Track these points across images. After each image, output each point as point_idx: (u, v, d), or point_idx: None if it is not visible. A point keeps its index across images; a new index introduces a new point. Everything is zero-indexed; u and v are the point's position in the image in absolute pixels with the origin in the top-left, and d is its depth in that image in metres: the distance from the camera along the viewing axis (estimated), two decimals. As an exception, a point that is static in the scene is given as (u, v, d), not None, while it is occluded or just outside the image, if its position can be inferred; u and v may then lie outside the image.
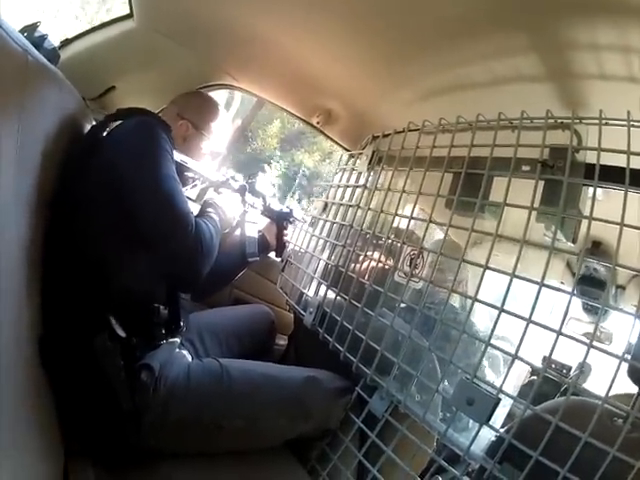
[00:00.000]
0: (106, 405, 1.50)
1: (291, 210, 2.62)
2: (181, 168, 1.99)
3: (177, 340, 1.85)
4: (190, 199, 2.02)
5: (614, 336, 3.13)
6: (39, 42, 1.89)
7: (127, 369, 1.54)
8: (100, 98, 2.53)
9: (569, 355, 3.29)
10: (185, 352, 1.88)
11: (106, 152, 1.74)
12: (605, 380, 1.15)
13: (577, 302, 3.14)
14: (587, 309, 3.36)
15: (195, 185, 2.19)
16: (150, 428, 1.57)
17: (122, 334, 1.57)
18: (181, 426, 1.62)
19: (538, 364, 1.57)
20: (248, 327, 2.41)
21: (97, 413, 1.52)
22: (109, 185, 1.67)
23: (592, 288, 2.66)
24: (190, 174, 2.09)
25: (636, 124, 1.26)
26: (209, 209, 2.03)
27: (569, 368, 3.39)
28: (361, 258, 1.87)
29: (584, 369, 1.90)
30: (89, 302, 1.57)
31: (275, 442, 1.88)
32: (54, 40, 2.11)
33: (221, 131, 2.35)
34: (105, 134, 1.87)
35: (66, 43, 2.41)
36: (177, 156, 1.94)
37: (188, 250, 1.72)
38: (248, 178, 2.46)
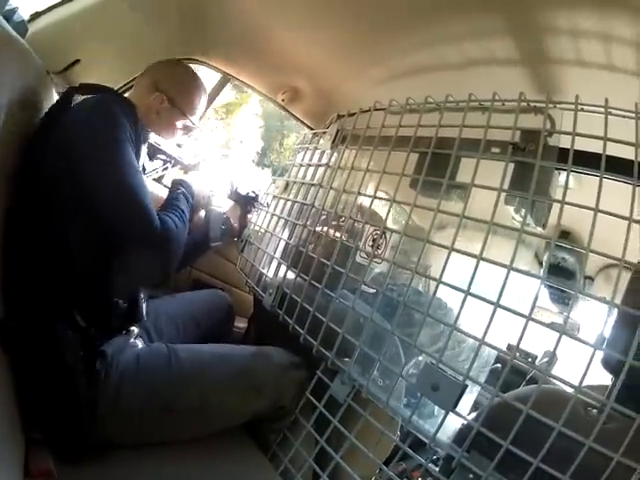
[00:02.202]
0: (64, 393, 1.47)
1: (257, 195, 2.59)
2: (154, 150, 2.00)
3: (135, 329, 1.84)
4: (162, 184, 2.00)
5: (580, 327, 3.15)
6: (8, 15, 1.91)
7: (85, 358, 1.53)
8: (64, 72, 2.47)
9: (533, 344, 3.32)
10: (139, 342, 1.85)
11: (64, 132, 1.68)
12: (570, 370, 1.14)
13: (544, 292, 3.15)
14: (554, 299, 3.37)
15: (166, 168, 2.19)
16: (103, 416, 1.54)
17: (82, 324, 1.56)
18: (133, 412, 1.60)
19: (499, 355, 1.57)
20: (205, 312, 2.39)
21: (55, 401, 1.49)
22: (67, 170, 1.62)
23: (560, 278, 2.67)
24: (162, 156, 2.05)
25: (613, 111, 1.24)
26: (178, 190, 2.02)
27: (534, 357, 3.40)
28: (322, 238, 1.83)
29: (552, 358, 1.90)
30: (51, 289, 1.56)
31: (230, 422, 1.88)
32: (24, 13, 2.10)
33: (201, 109, 2.26)
34: (66, 111, 1.78)
35: (35, 17, 2.36)
36: (151, 137, 1.98)
37: (154, 248, 1.70)
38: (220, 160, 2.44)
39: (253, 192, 2.59)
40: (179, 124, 2.17)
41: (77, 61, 2.45)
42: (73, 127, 1.68)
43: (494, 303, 1.21)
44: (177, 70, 2.21)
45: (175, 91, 2.10)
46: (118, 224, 1.65)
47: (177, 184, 2.08)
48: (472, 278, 1.28)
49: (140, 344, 1.82)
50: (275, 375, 1.92)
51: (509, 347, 1.37)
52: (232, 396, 1.81)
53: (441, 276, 1.35)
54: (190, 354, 1.79)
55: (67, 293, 1.57)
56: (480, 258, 1.27)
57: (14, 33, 1.56)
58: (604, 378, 1.28)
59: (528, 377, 2.85)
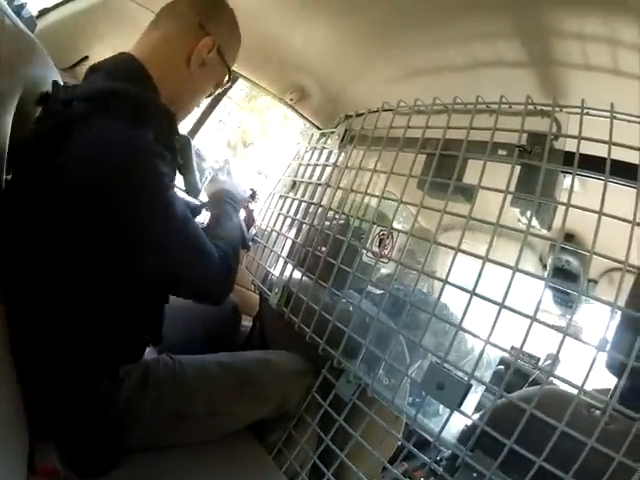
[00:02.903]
0: (91, 419, 1.44)
1: (254, 191, 2.53)
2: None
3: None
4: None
5: (583, 330, 3.15)
6: (17, 10, 1.88)
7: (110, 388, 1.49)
8: (73, 69, 2.48)
9: (535, 346, 3.33)
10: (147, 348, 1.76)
11: (77, 168, 1.22)
12: (572, 373, 1.15)
13: (547, 294, 3.15)
14: (557, 301, 3.38)
15: (206, 178, 1.98)
16: (116, 427, 1.51)
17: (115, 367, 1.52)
18: (142, 419, 1.56)
19: (505, 355, 1.58)
20: (210, 312, 2.07)
21: (78, 424, 1.44)
22: (91, 219, 1.24)
23: (564, 280, 2.68)
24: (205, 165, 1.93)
25: (619, 116, 1.25)
26: (225, 205, 1.86)
27: (537, 359, 3.41)
28: (328, 237, 1.81)
29: (556, 360, 1.90)
30: (95, 345, 1.43)
31: (237, 427, 1.85)
32: (32, 9, 2.09)
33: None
34: (71, 129, 1.25)
35: (44, 12, 2.37)
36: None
37: (216, 286, 1.58)
38: (224, 163, 2.40)
39: (251, 189, 2.56)
40: (213, 84, 1.74)
41: (86, 57, 2.46)
42: (92, 167, 1.23)
43: (499, 304, 1.22)
44: (225, 7, 1.70)
45: (224, 35, 1.66)
46: (180, 281, 1.47)
47: (220, 198, 1.89)
48: (478, 279, 1.29)
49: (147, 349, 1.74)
50: (281, 383, 1.87)
51: (512, 349, 1.38)
52: (239, 405, 1.78)
53: (447, 276, 1.36)
54: (193, 362, 1.75)
55: (111, 348, 1.47)
56: (486, 259, 1.29)
57: (25, 28, 1.55)
58: (607, 382, 1.30)
59: (531, 379, 2.86)
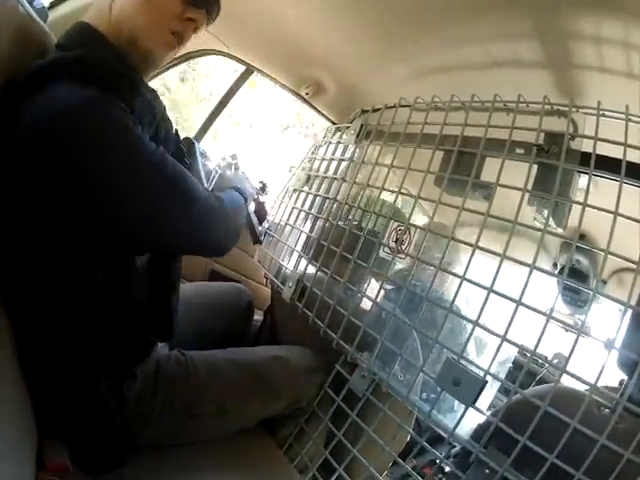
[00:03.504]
0: (96, 418, 1.41)
1: (264, 184, 2.53)
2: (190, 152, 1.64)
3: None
4: None
5: (591, 330, 3.15)
6: (29, 1, 1.86)
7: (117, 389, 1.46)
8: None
9: (543, 344, 3.32)
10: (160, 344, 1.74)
11: (27, 132, 1.15)
12: (579, 373, 1.16)
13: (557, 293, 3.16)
14: (567, 301, 3.37)
15: (214, 177, 1.97)
16: (126, 424, 1.49)
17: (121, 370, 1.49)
18: (152, 416, 1.55)
19: (515, 355, 1.59)
20: (225, 306, 2.31)
21: (85, 423, 1.41)
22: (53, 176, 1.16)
23: (574, 280, 2.69)
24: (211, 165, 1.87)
25: (634, 118, 1.26)
26: (232, 191, 1.76)
27: (545, 357, 3.41)
28: (344, 232, 1.80)
29: (568, 358, 1.91)
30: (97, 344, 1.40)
31: (248, 425, 1.84)
32: (44, 0, 2.08)
33: None
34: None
35: (55, 4, 2.36)
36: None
37: (211, 232, 1.45)
38: (232, 158, 2.39)
39: (260, 182, 2.55)
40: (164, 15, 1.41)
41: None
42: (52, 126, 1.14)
43: (516, 301, 1.23)
44: None
45: None
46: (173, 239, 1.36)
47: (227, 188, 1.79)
48: (495, 276, 1.29)
49: (160, 347, 1.73)
50: (293, 380, 1.89)
51: (523, 348, 1.39)
52: (250, 402, 1.78)
53: (465, 273, 1.36)
54: (205, 359, 1.74)
55: (110, 346, 1.43)
56: (504, 256, 1.29)
57: (38, 18, 1.55)
58: (609, 381, 1.31)
59: (539, 377, 2.87)
